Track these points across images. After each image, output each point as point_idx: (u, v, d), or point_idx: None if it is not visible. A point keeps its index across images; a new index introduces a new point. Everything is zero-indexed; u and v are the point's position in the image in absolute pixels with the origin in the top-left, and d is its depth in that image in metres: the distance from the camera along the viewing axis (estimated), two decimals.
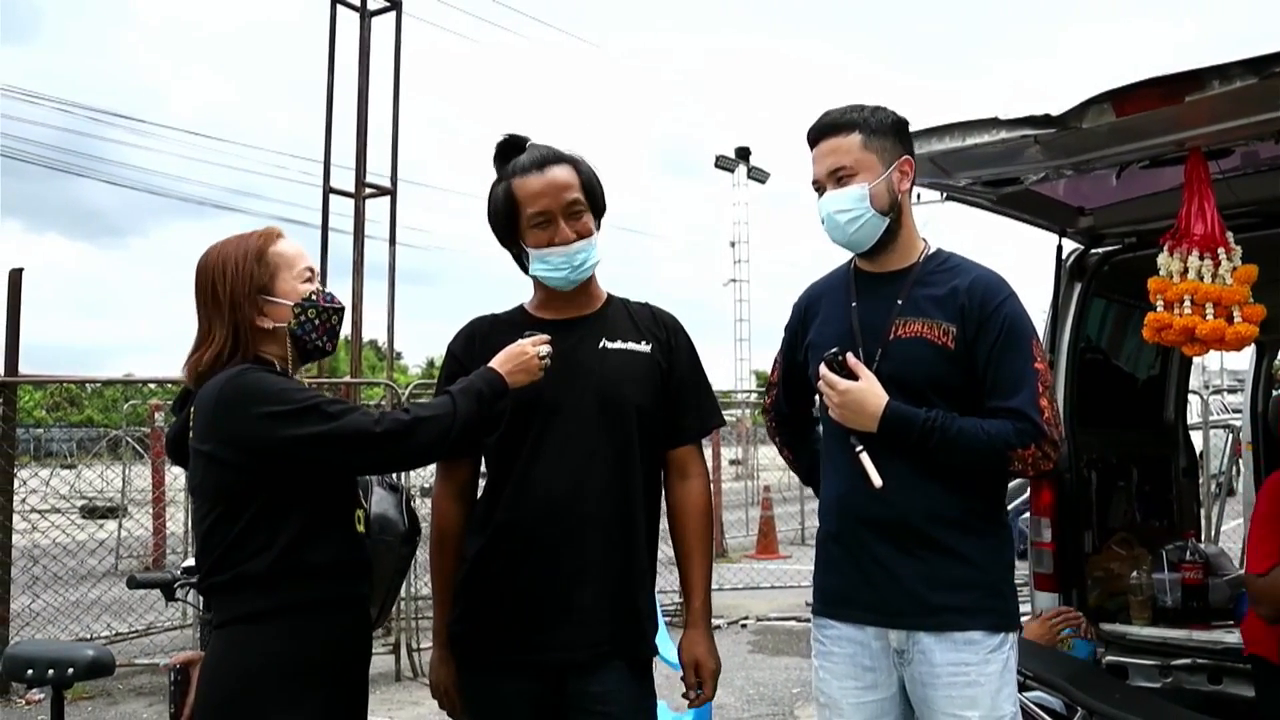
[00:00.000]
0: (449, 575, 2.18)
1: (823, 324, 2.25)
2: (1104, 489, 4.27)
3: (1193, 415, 6.36)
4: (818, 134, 2.16)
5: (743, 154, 25.19)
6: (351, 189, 7.78)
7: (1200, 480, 5.71)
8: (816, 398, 2.22)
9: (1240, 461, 6.62)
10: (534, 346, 2.05)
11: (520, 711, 2.07)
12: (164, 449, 2.39)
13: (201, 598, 2.87)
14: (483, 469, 2.24)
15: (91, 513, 10.16)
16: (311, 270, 2.11)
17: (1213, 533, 6.41)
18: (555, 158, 2.14)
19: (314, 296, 2.07)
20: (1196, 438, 5.91)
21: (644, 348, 2.17)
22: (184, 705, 2.16)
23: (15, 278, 5.94)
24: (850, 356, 2.10)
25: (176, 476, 9.77)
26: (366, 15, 7.84)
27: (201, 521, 1.99)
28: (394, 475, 2.39)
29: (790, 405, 2.42)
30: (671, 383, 2.18)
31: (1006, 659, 2.05)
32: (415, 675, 5.89)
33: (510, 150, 2.18)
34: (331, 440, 1.89)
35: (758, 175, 25.36)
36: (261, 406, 1.89)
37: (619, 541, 2.09)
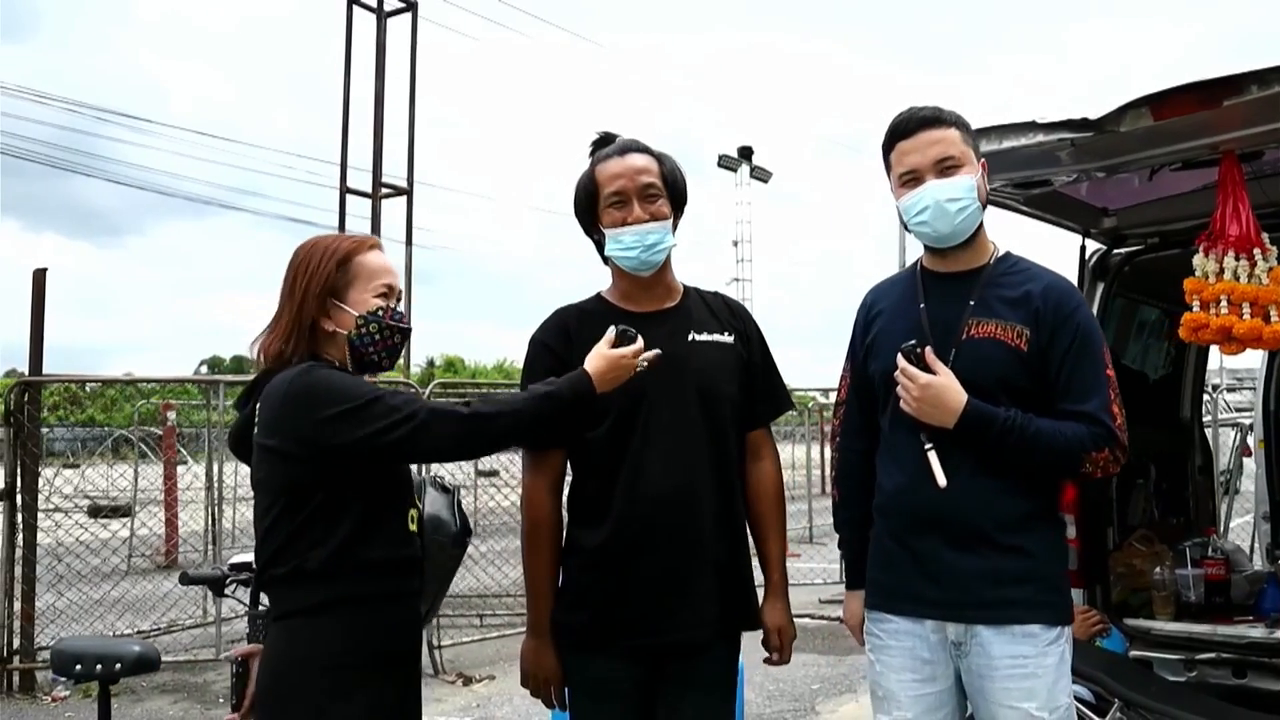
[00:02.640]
0: (545, 565, 2.25)
1: (889, 322, 2.25)
2: (1124, 487, 4.31)
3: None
4: (918, 125, 2.15)
5: (745, 153, 25.19)
6: (364, 189, 7.83)
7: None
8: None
9: (1250, 460, 6.65)
10: (635, 358, 2.09)
11: (628, 692, 2.16)
12: (228, 444, 2.43)
13: (249, 594, 2.93)
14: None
15: (113, 512, 10.15)
16: (389, 287, 2.13)
17: (1222, 529, 6.46)
18: (637, 147, 2.26)
19: (380, 312, 2.10)
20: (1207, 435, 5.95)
21: (728, 339, 2.27)
22: (245, 696, 2.22)
23: (39, 279, 5.95)
24: (929, 351, 2.10)
25: (197, 476, 9.81)
26: (383, 16, 7.88)
27: (264, 515, 2.03)
28: (446, 477, 2.44)
29: (863, 415, 2.32)
30: (749, 370, 2.28)
31: (1063, 651, 2.08)
32: (436, 673, 5.92)
33: (601, 144, 2.29)
34: (400, 432, 1.93)
35: (760, 175, 25.38)
36: (329, 404, 1.93)
37: (726, 524, 2.20)
